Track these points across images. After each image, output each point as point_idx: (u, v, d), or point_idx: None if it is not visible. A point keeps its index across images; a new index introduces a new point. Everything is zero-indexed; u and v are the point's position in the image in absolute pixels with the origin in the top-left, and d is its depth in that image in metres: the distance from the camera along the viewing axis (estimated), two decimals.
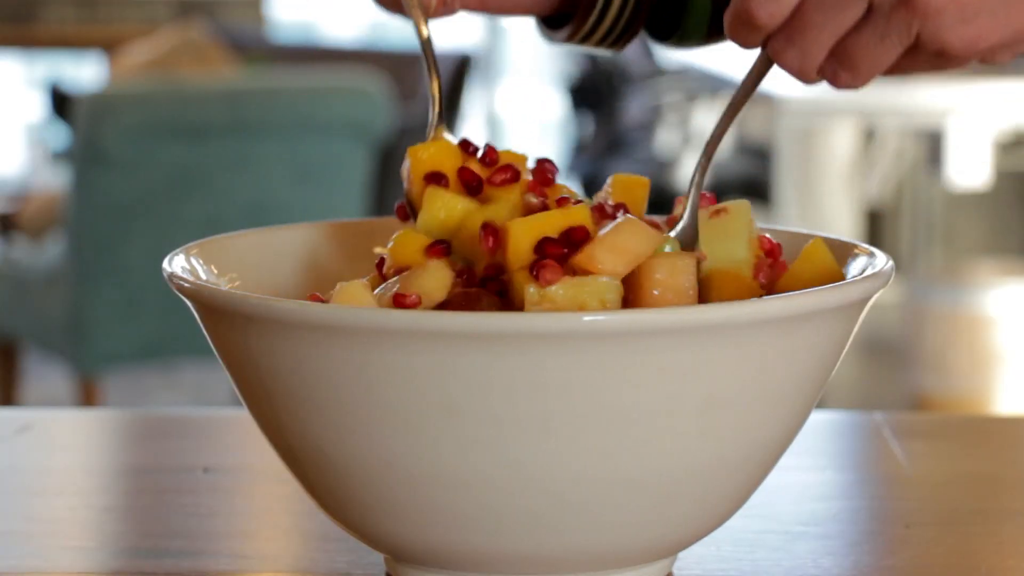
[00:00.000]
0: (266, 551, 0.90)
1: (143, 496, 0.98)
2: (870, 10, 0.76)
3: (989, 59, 0.78)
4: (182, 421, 1.20)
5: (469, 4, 0.94)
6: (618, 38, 0.92)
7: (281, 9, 6.79)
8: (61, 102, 4.25)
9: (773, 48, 0.77)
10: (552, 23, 0.94)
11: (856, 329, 0.77)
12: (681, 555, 0.82)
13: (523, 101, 6.72)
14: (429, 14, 0.90)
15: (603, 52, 0.95)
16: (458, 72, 4.61)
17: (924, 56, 0.78)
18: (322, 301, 0.78)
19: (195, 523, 0.92)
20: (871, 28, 0.76)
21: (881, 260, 0.79)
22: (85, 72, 6.22)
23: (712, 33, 0.94)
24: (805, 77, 0.78)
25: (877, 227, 4.77)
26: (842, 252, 0.83)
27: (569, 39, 0.92)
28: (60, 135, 4.95)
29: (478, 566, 0.75)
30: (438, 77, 0.87)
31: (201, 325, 0.77)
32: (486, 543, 0.74)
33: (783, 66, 0.78)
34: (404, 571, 0.78)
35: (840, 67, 0.77)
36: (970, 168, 3.73)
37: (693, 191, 0.80)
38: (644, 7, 0.91)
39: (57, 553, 0.87)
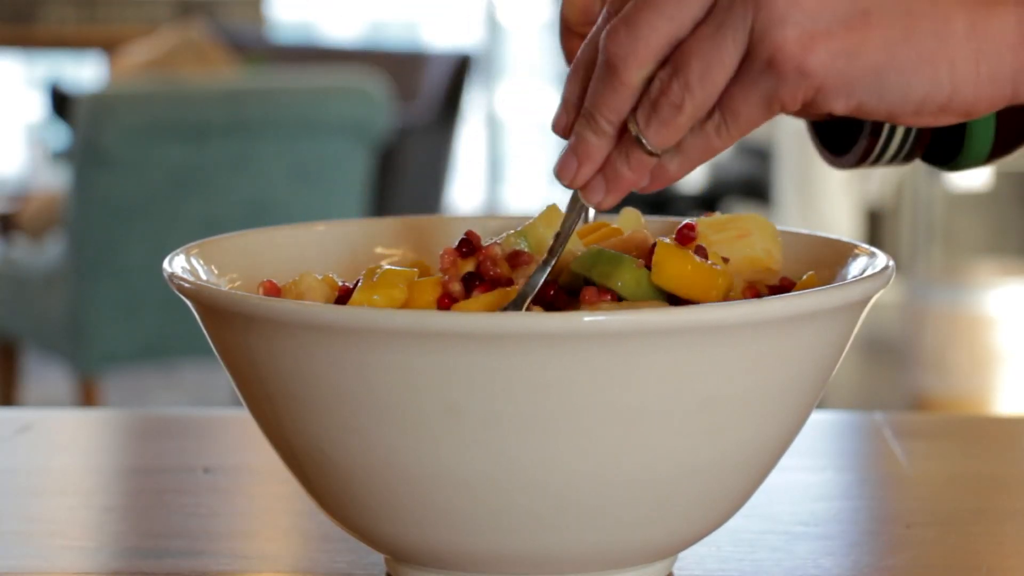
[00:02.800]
0: (266, 551, 0.90)
1: (143, 496, 0.98)
2: (712, 9, 0.71)
3: (825, 92, 0.71)
4: (182, 421, 1.21)
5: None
6: (903, 160, 0.90)
7: (281, 9, 6.79)
8: (61, 102, 4.26)
9: (607, 33, 0.71)
10: (831, 144, 0.91)
11: (856, 329, 0.77)
12: (681, 555, 0.82)
13: (523, 101, 6.72)
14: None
15: (896, 166, 0.93)
16: (458, 72, 4.61)
17: (756, 74, 0.71)
18: (277, 290, 0.80)
19: (195, 523, 0.92)
20: (709, 20, 0.70)
21: (881, 260, 0.79)
22: (85, 72, 6.22)
23: (992, 157, 0.89)
24: (623, 64, 0.71)
25: (877, 227, 4.78)
26: (842, 252, 0.83)
27: (856, 165, 0.90)
28: (60, 135, 4.95)
29: (478, 566, 0.75)
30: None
31: (201, 325, 0.77)
32: (486, 543, 0.74)
33: (610, 49, 0.71)
34: (404, 571, 0.78)
35: (673, 74, 0.71)
36: None
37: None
38: (926, 132, 0.87)
39: (57, 553, 0.87)
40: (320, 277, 0.81)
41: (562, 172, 0.73)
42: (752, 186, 4.77)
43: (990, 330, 3.78)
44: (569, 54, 0.84)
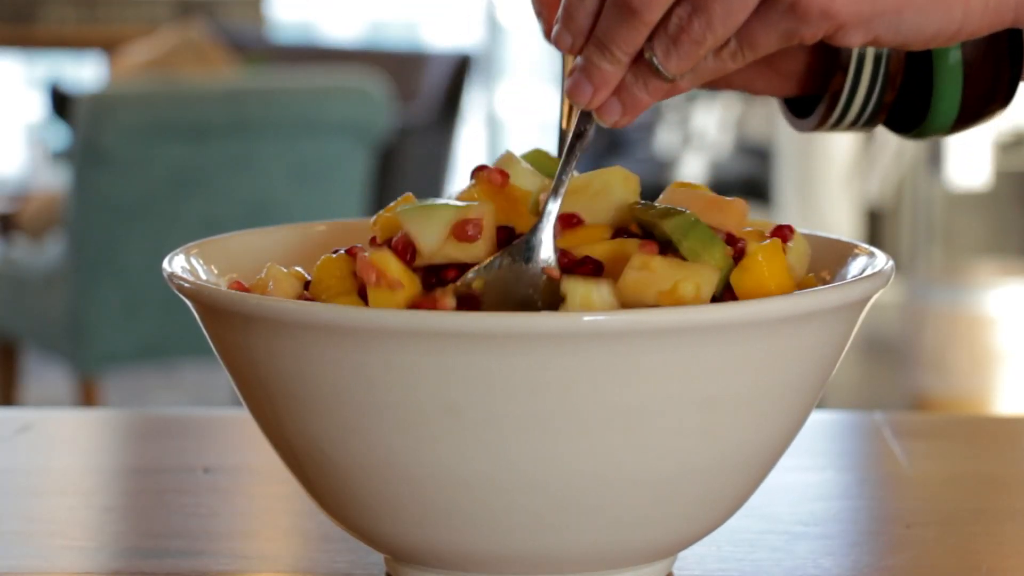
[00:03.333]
0: (266, 551, 0.90)
1: (143, 496, 0.98)
2: None
3: (842, 28, 0.73)
4: (182, 421, 1.20)
5: (716, 82, 0.90)
6: (864, 125, 0.92)
7: (281, 9, 6.79)
8: (61, 102, 4.26)
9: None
10: (797, 109, 0.94)
11: (856, 329, 0.77)
12: (681, 555, 0.82)
13: (523, 101, 6.72)
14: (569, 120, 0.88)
15: (856, 132, 0.95)
16: (458, 72, 4.61)
17: (777, 14, 0.73)
18: (245, 288, 0.79)
19: (195, 523, 0.92)
20: None
21: (881, 260, 0.79)
22: (85, 72, 6.22)
23: (955, 126, 0.91)
24: (647, 10, 0.72)
25: (877, 227, 4.78)
26: (842, 252, 0.83)
27: (817, 128, 0.93)
28: (60, 135, 4.96)
29: (478, 566, 0.75)
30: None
31: (201, 325, 0.77)
32: (486, 543, 0.74)
33: None
34: (404, 571, 0.78)
35: (694, 11, 0.72)
36: (970, 168, 3.73)
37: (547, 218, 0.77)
38: (888, 98, 0.90)
39: (57, 553, 0.87)
40: (286, 270, 0.81)
41: (577, 95, 0.75)
42: (752, 186, 4.78)
43: (990, 330, 3.78)
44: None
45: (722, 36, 0.73)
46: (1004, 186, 4.63)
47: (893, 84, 0.89)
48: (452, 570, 0.76)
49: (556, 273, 0.75)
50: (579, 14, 0.75)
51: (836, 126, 0.92)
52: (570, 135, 0.77)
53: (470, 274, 0.75)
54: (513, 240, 0.77)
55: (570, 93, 0.76)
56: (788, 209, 4.26)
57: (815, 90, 0.91)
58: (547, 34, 0.82)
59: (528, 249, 0.76)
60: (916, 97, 0.89)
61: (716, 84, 0.90)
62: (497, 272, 0.75)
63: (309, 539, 0.90)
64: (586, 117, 0.77)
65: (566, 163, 0.77)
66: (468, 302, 0.74)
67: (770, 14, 0.72)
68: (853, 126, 0.92)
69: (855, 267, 0.81)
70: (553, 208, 0.76)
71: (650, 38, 0.74)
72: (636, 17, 0.73)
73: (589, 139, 0.78)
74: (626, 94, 0.76)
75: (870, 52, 0.89)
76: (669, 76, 0.74)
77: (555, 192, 0.77)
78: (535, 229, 0.76)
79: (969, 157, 3.73)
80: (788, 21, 0.72)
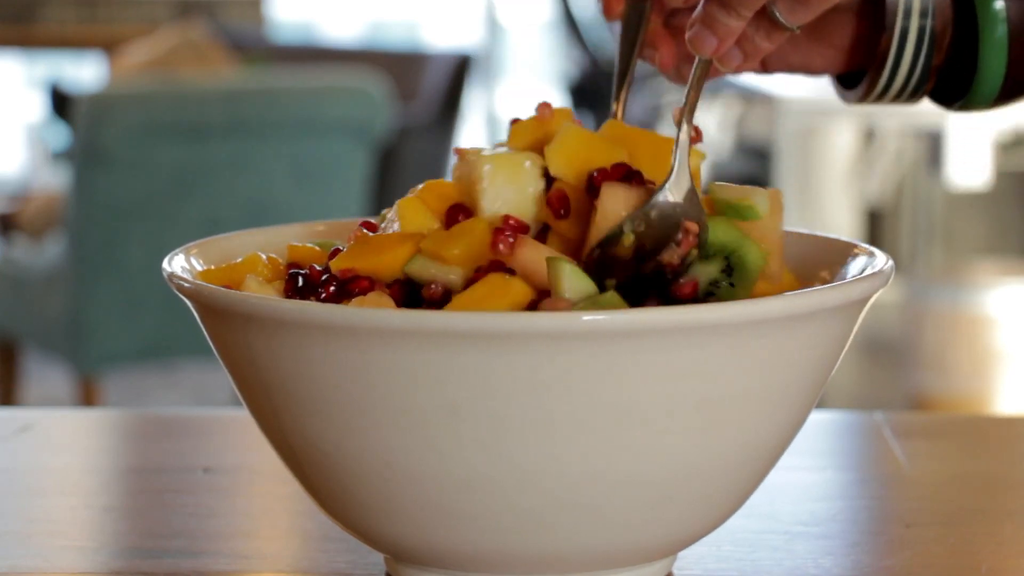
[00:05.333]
0: (266, 551, 0.90)
1: (143, 496, 0.98)
2: None
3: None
4: (182, 421, 1.20)
5: (774, 64, 0.95)
6: (911, 95, 0.94)
7: (281, 9, 6.79)
8: (61, 102, 4.26)
9: None
10: (846, 82, 0.96)
11: (856, 329, 0.77)
12: (681, 555, 0.82)
13: (523, 101, 6.71)
14: (628, 82, 0.90)
15: (903, 104, 0.96)
16: (458, 72, 4.61)
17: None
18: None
19: (195, 523, 0.92)
20: None
21: (881, 260, 0.79)
22: (85, 72, 6.22)
23: (1000, 99, 0.93)
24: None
25: (877, 227, 4.77)
26: (842, 252, 0.83)
27: (863, 99, 0.95)
28: (60, 135, 4.95)
29: (478, 566, 0.75)
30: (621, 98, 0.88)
31: (201, 325, 0.77)
32: (486, 543, 0.74)
33: None
34: (404, 571, 0.78)
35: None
36: (970, 168, 3.73)
37: (681, 144, 0.79)
38: (935, 67, 0.92)
39: (57, 553, 0.87)
40: (265, 258, 0.82)
41: (701, 45, 0.79)
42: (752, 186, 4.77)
43: (990, 330, 3.78)
44: None
45: None
46: (1004, 186, 4.63)
47: (940, 47, 0.90)
48: (452, 570, 0.76)
49: (695, 228, 0.77)
50: None
51: (884, 94, 0.94)
52: (693, 74, 0.80)
53: (624, 226, 0.77)
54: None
55: (692, 43, 0.79)
56: (788, 209, 4.25)
57: (869, 63, 0.93)
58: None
59: (662, 198, 0.77)
60: (960, 71, 0.91)
61: (776, 66, 0.93)
62: (641, 226, 0.77)
63: (309, 539, 0.90)
64: (706, 63, 0.80)
65: (692, 103, 0.79)
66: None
67: None
68: (900, 95, 0.94)
69: (855, 267, 0.81)
70: (684, 139, 0.79)
71: None
72: None
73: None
74: (748, 43, 0.80)
75: (915, 14, 0.90)
76: (791, 28, 0.78)
77: (688, 118, 0.79)
78: (670, 173, 0.78)
79: (969, 157, 3.73)
80: None
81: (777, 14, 0.78)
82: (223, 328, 0.75)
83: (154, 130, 3.28)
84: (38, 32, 6.46)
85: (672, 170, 0.78)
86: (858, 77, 0.94)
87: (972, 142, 3.69)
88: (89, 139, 3.26)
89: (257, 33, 5.85)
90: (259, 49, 5.03)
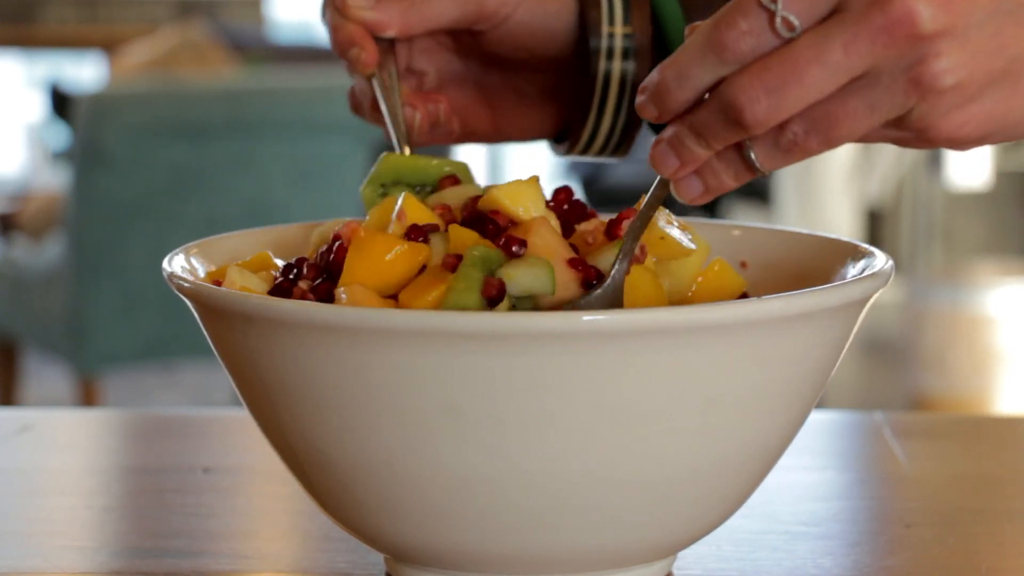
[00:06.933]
0: (266, 551, 0.90)
1: (143, 496, 0.98)
2: (867, 74, 0.69)
3: (960, 147, 0.73)
4: (182, 421, 1.20)
5: (477, 132, 0.96)
6: (616, 147, 0.95)
7: (281, 9, 6.79)
8: (61, 102, 4.26)
9: (741, 90, 0.69)
10: (558, 138, 0.97)
11: (856, 329, 0.77)
12: (681, 555, 0.82)
13: None
14: (414, 139, 0.91)
15: (608, 160, 0.96)
16: None
17: (898, 130, 0.72)
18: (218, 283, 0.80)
19: (195, 523, 0.92)
20: (863, 94, 0.69)
21: (881, 260, 0.79)
22: (85, 72, 6.22)
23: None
24: (760, 128, 0.70)
25: (877, 227, 4.78)
26: (842, 252, 0.83)
27: (568, 152, 0.95)
28: (60, 135, 4.96)
29: (478, 566, 0.75)
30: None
31: (201, 325, 0.77)
32: (486, 543, 0.74)
33: (746, 114, 0.69)
34: (404, 571, 0.78)
35: (811, 130, 0.70)
36: (970, 168, 3.73)
37: (622, 256, 0.77)
38: (638, 120, 0.92)
39: (57, 553, 0.87)
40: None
41: (661, 164, 0.73)
42: (752, 186, 4.77)
43: (990, 330, 3.78)
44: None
45: (837, 145, 0.71)
46: (1004, 186, 4.63)
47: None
48: (452, 570, 0.76)
49: None
50: (675, 98, 0.71)
51: (587, 149, 0.95)
52: (649, 194, 0.77)
53: None
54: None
55: (653, 160, 0.73)
56: (788, 209, 4.26)
57: (575, 120, 0.94)
58: (353, 68, 0.87)
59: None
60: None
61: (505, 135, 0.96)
62: None
63: (309, 539, 0.90)
64: (664, 184, 0.75)
65: (644, 220, 0.77)
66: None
67: (893, 132, 0.72)
68: (606, 148, 0.95)
69: (855, 267, 0.81)
70: (625, 259, 0.77)
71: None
72: (744, 129, 0.70)
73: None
74: (712, 177, 0.73)
75: (614, 83, 0.92)
76: (763, 172, 0.72)
77: (636, 235, 0.77)
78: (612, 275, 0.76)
79: (969, 157, 3.73)
80: (909, 140, 0.72)
81: (752, 156, 0.71)
82: (223, 328, 0.75)
83: (154, 130, 3.28)
84: (38, 32, 6.46)
85: (609, 279, 0.76)
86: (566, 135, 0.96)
87: None
88: (89, 139, 3.26)
89: (257, 33, 5.85)
90: (259, 49, 5.03)
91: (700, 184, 0.73)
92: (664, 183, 0.75)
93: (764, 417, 0.74)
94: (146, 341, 3.38)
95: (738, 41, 0.69)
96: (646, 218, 0.77)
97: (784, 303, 0.71)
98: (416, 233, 0.77)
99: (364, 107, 0.93)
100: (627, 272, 0.76)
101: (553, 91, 0.95)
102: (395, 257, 0.76)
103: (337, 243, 0.78)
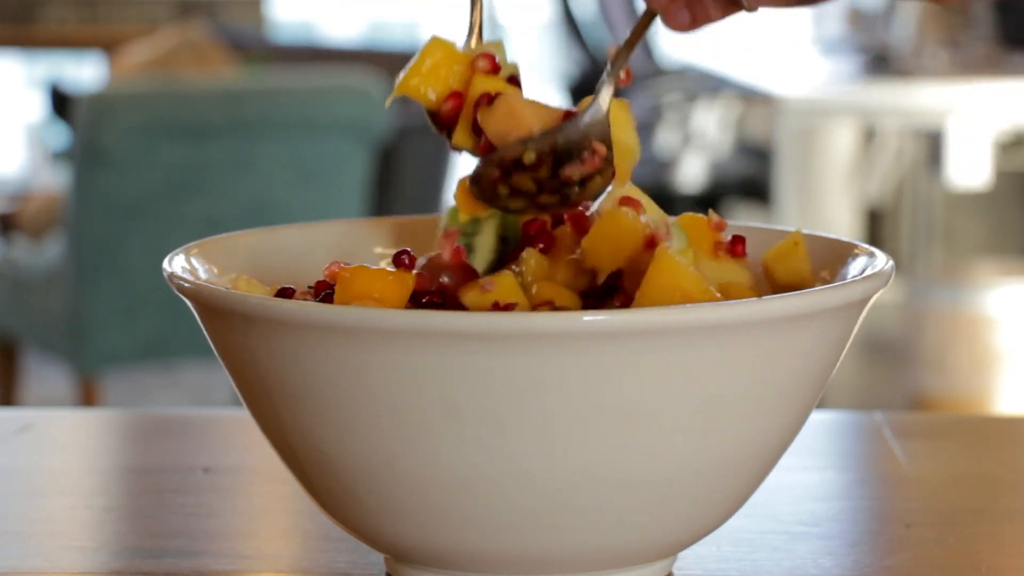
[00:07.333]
0: (266, 551, 0.90)
1: (143, 496, 0.98)
2: None
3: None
4: (182, 421, 1.20)
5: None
6: None
7: (281, 9, 6.79)
8: (61, 102, 4.25)
9: None
10: None
11: (856, 329, 0.77)
12: (681, 555, 0.82)
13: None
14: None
15: None
16: None
17: None
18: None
19: (195, 523, 0.92)
20: None
21: (881, 260, 0.79)
22: (85, 72, 6.22)
23: None
24: None
25: (877, 227, 4.78)
26: (842, 252, 0.83)
27: None
28: (60, 135, 4.95)
29: (478, 566, 0.75)
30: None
31: (201, 325, 0.77)
32: (486, 543, 0.74)
33: None
34: (404, 571, 0.78)
35: None
36: (970, 168, 3.73)
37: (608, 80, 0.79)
38: None
39: (57, 553, 0.87)
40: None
41: None
42: (752, 186, 4.77)
43: (990, 330, 3.78)
44: None
45: None
46: (1004, 186, 4.63)
47: None
48: (452, 570, 0.76)
49: (603, 149, 0.78)
50: None
51: None
52: (639, 20, 0.80)
53: (528, 143, 0.77)
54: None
55: None
56: (788, 209, 4.26)
57: None
58: None
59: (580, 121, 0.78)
60: None
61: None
62: (546, 146, 0.77)
63: (309, 539, 0.90)
64: (651, 14, 0.79)
65: (631, 44, 0.79)
66: (465, 272, 0.75)
67: None
68: None
69: (855, 267, 0.81)
70: (610, 82, 0.79)
71: None
72: None
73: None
74: (699, 8, 0.79)
75: None
76: (749, 9, 0.77)
77: (623, 58, 0.79)
78: (594, 99, 0.78)
79: (969, 157, 3.73)
80: None
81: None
82: (223, 328, 0.75)
83: (154, 130, 3.28)
84: (38, 32, 6.46)
85: (593, 102, 0.79)
86: None
87: (972, 142, 3.69)
88: (89, 139, 3.26)
89: (257, 33, 5.85)
90: (259, 49, 5.02)
91: (688, 15, 0.79)
92: (651, 14, 0.79)
93: (764, 417, 0.74)
94: (146, 341, 3.37)
95: None
96: (631, 45, 0.80)
97: (784, 303, 0.71)
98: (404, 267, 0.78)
99: None
100: (612, 96, 0.79)
101: None
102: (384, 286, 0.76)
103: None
